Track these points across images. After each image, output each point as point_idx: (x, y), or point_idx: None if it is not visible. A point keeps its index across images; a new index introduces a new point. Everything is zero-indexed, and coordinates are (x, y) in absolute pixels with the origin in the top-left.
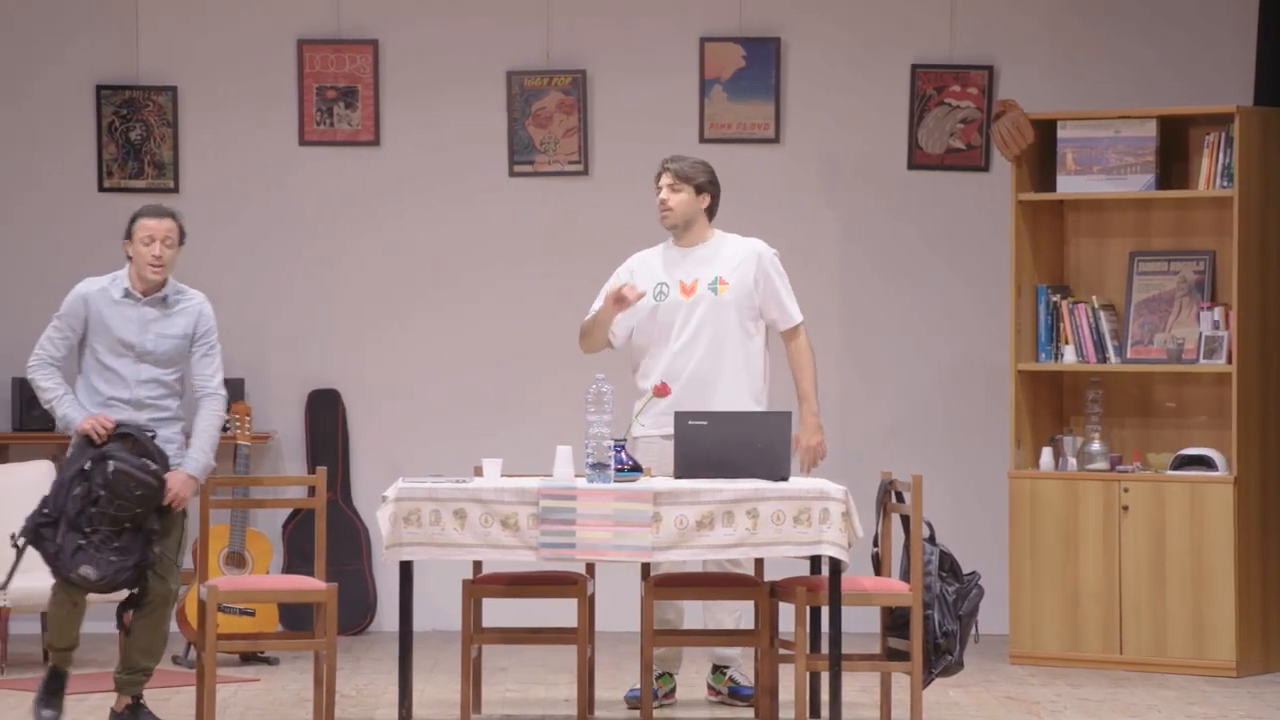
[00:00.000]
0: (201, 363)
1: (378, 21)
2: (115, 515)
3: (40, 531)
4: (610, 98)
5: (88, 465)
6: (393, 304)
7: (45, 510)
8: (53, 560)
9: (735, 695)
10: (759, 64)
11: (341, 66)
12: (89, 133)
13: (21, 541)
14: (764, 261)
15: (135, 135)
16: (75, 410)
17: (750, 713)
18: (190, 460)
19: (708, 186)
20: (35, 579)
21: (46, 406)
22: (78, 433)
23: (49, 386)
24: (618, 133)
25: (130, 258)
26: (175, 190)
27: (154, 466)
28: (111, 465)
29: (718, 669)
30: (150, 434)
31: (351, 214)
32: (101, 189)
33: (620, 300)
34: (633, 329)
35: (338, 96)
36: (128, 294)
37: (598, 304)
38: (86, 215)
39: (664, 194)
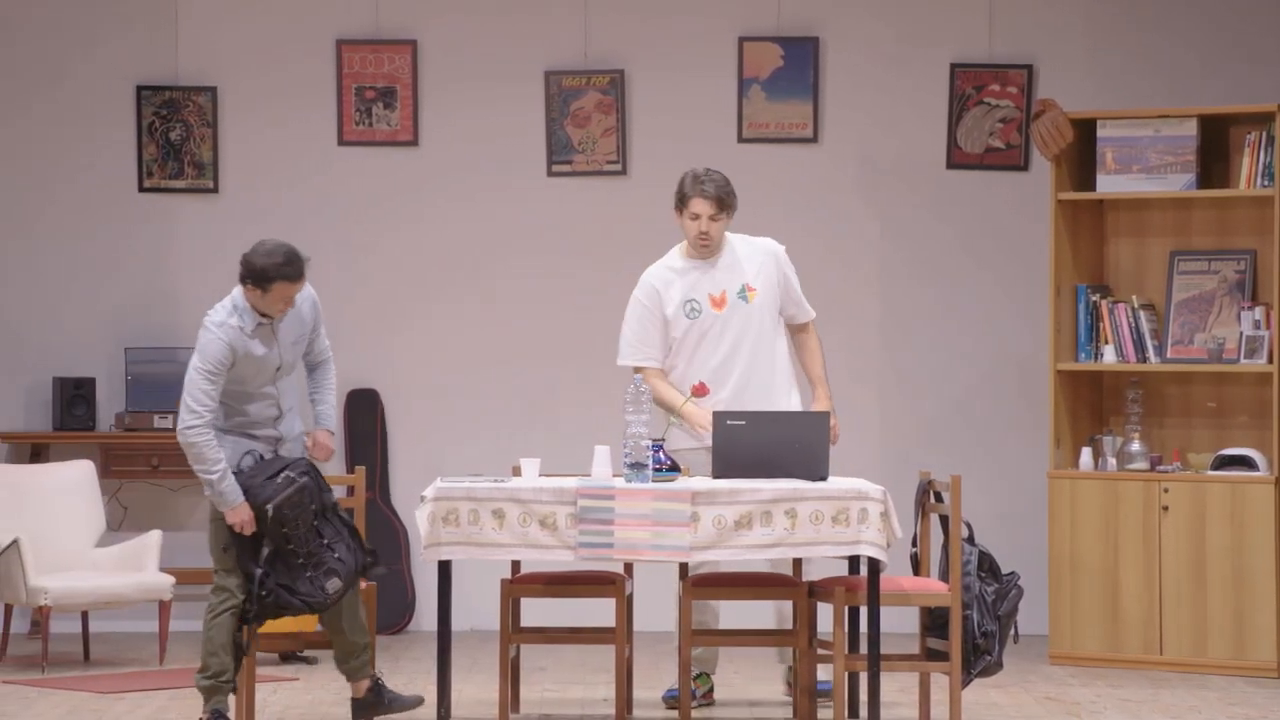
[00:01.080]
0: (319, 339)
1: (416, 22)
2: (305, 532)
3: (268, 611)
4: (648, 97)
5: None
6: (431, 304)
7: (265, 594)
8: (305, 603)
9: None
10: (797, 63)
11: (380, 67)
12: (129, 133)
13: (248, 640)
14: (780, 261)
15: (175, 135)
16: (235, 493)
17: (828, 711)
18: (327, 417)
19: (736, 206)
20: (77, 578)
21: (202, 474)
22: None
23: (215, 458)
24: (656, 132)
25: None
26: (215, 190)
27: (288, 474)
28: (270, 511)
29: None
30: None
31: (390, 214)
32: (141, 189)
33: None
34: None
35: (376, 96)
36: (260, 325)
37: (668, 392)
38: (126, 215)
39: (704, 224)
